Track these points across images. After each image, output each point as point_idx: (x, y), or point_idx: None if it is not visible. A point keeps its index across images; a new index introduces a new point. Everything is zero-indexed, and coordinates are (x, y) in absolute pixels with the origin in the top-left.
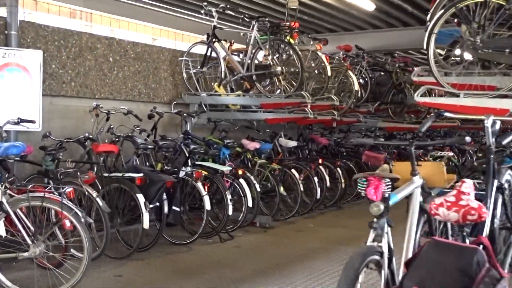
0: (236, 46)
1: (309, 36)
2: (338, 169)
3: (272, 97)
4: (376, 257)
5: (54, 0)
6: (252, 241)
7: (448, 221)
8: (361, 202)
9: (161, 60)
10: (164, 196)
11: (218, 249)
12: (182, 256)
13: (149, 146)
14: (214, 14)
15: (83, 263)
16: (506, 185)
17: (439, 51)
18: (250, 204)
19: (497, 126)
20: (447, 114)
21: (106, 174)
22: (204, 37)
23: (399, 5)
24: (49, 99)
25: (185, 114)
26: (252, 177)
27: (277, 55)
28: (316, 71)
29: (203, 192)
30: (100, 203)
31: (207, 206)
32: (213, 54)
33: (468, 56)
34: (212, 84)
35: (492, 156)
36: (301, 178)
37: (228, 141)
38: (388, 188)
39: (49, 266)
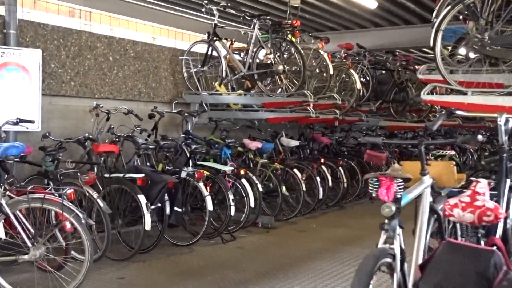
0: (236, 45)
1: (310, 34)
2: (340, 168)
3: (274, 96)
4: (388, 259)
5: None
6: (254, 241)
7: (463, 222)
8: (363, 202)
9: (161, 59)
10: (166, 197)
11: (221, 250)
12: (184, 257)
13: (150, 146)
14: (215, 12)
15: (84, 266)
16: None
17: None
18: (252, 204)
19: (510, 124)
20: (458, 112)
21: (106, 175)
22: (205, 36)
23: (401, 3)
24: (48, 99)
25: (186, 114)
26: (254, 177)
27: (278, 54)
28: (317, 70)
29: (205, 192)
30: (101, 204)
31: (209, 207)
32: (214, 53)
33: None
34: (213, 83)
35: (505, 155)
36: (303, 178)
37: (229, 140)
38: (400, 189)
39: (50, 269)
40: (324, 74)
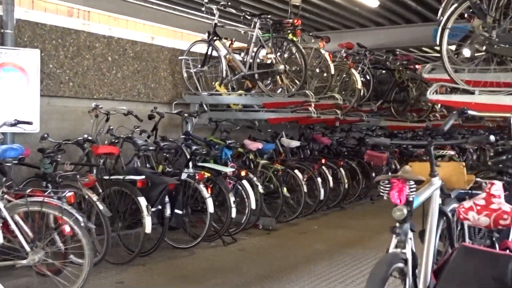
0: (236, 44)
1: (310, 34)
2: (341, 169)
3: (275, 96)
4: (400, 264)
5: None
6: (256, 244)
7: (478, 226)
8: (364, 203)
9: (160, 59)
10: (166, 199)
11: (222, 252)
12: (185, 260)
13: (151, 148)
14: (215, 11)
15: (84, 270)
16: None
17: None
18: (253, 206)
19: None
20: (470, 112)
21: (106, 177)
22: (204, 36)
23: (403, 2)
24: (46, 100)
25: (186, 114)
26: (255, 179)
27: (279, 53)
28: (318, 70)
29: (206, 194)
30: (101, 207)
31: (210, 209)
32: (214, 53)
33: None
34: (213, 83)
35: None
36: (305, 179)
37: (230, 141)
38: (412, 191)
39: (48, 274)
40: (325, 74)
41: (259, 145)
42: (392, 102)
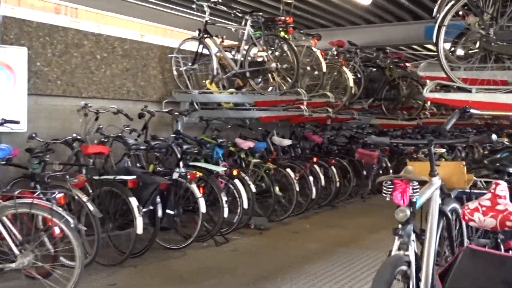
0: (226, 42)
1: (301, 31)
2: (333, 167)
3: (266, 95)
4: (404, 267)
5: None
6: (248, 243)
7: (483, 228)
8: (355, 201)
9: (150, 57)
10: (158, 199)
11: (214, 253)
12: (178, 261)
13: (141, 147)
14: (205, 9)
15: (75, 273)
16: None
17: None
18: (245, 205)
19: None
20: (472, 110)
21: (96, 177)
22: (194, 33)
23: None
24: (34, 99)
25: (176, 113)
26: (247, 178)
27: (271, 51)
28: (308, 68)
29: (198, 194)
30: (91, 208)
31: (203, 209)
32: (205, 51)
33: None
34: (203, 81)
35: None
36: (297, 178)
37: (221, 140)
38: (415, 192)
39: (38, 277)
40: (316, 72)
41: (250, 144)
42: (383, 100)
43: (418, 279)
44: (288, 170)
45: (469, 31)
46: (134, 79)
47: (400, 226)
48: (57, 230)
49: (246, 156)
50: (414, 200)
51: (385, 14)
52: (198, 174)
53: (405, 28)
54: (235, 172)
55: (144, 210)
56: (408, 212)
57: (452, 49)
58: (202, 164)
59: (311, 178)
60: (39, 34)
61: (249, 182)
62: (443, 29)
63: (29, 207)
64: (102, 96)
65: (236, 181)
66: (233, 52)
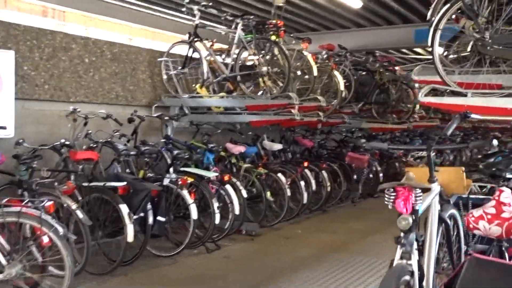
0: (215, 46)
1: (291, 35)
2: (324, 172)
3: (257, 99)
4: (407, 277)
5: None
6: (240, 250)
7: (489, 236)
8: (345, 205)
9: (139, 61)
10: (149, 206)
11: (206, 260)
12: (169, 269)
13: (132, 153)
14: (196, 12)
15: (65, 283)
16: None
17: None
18: (237, 211)
19: None
20: (473, 115)
21: (85, 184)
22: (183, 37)
23: (385, 3)
24: (21, 103)
25: (166, 118)
26: (238, 183)
27: (262, 55)
28: (299, 72)
29: (190, 200)
30: (81, 216)
31: (194, 215)
32: (195, 55)
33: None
34: (193, 85)
35: None
36: (288, 183)
37: (212, 145)
38: (418, 200)
39: (25, 287)
40: (306, 76)
41: (241, 149)
42: (373, 103)
43: None
44: (280, 175)
45: (462, 35)
46: (123, 83)
47: (402, 234)
48: (45, 239)
49: (236, 161)
50: (417, 208)
51: (375, 18)
52: (189, 179)
53: (395, 31)
54: (226, 178)
55: (135, 217)
56: (410, 220)
57: (445, 53)
58: (192, 170)
59: (302, 183)
60: (27, 37)
61: (241, 188)
62: (438, 33)
63: (17, 216)
64: (90, 100)
65: (228, 187)
66: (223, 56)
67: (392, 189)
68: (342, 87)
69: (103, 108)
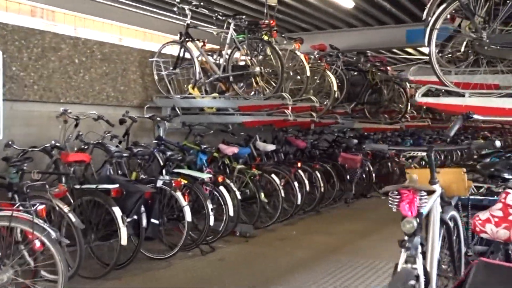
0: (207, 46)
1: (283, 35)
2: (317, 172)
3: (251, 99)
4: (413, 281)
5: None
6: (235, 252)
7: (496, 239)
8: (339, 206)
9: (130, 61)
10: (142, 208)
11: (201, 263)
12: (163, 272)
13: (124, 154)
14: (187, 12)
15: None
16: None
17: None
18: (231, 213)
19: None
20: (475, 116)
21: (77, 186)
22: (174, 37)
23: (377, 3)
24: (9, 104)
25: (158, 118)
26: (232, 184)
27: (254, 55)
28: (291, 72)
29: (183, 202)
30: (73, 219)
31: (188, 217)
32: (186, 55)
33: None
34: (185, 86)
35: None
36: (282, 184)
37: (205, 146)
38: (424, 202)
39: None
40: (298, 77)
41: (235, 150)
42: (366, 104)
43: None
44: (273, 175)
45: (458, 35)
46: (113, 83)
47: (406, 238)
48: (37, 244)
49: (230, 162)
50: (422, 210)
51: (367, 18)
52: (183, 181)
53: (386, 32)
54: (220, 179)
55: (128, 220)
56: (415, 224)
57: (440, 54)
58: (186, 171)
59: (296, 184)
60: (15, 37)
61: (234, 189)
62: (435, 32)
63: (9, 220)
64: (80, 101)
65: (221, 188)
66: (215, 56)
67: (396, 192)
68: (335, 87)
69: (93, 109)
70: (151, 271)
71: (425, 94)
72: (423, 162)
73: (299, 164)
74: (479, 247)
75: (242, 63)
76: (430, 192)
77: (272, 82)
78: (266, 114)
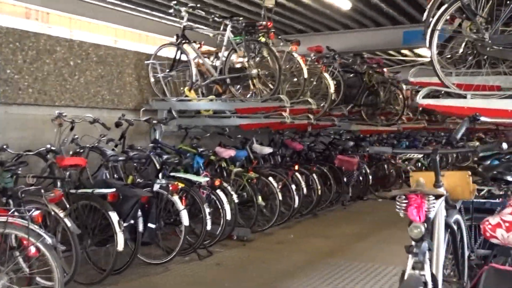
0: (203, 48)
1: (279, 37)
2: (314, 175)
3: (248, 102)
4: None
5: None
6: (233, 256)
7: (507, 245)
8: (336, 209)
9: (125, 63)
10: (139, 213)
11: (198, 267)
12: (160, 277)
13: (120, 158)
14: (183, 14)
15: None
16: None
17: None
18: (228, 216)
19: None
20: (482, 118)
21: (73, 191)
22: (170, 39)
23: (374, 4)
24: (3, 108)
25: (154, 121)
26: (229, 188)
27: (252, 57)
28: (288, 74)
29: (181, 206)
30: (69, 224)
31: (185, 221)
32: (183, 57)
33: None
34: (181, 88)
35: None
36: (279, 187)
37: (201, 149)
38: (432, 207)
39: None
40: (295, 79)
41: (231, 153)
42: (362, 106)
43: None
44: (270, 178)
45: (458, 36)
46: (109, 86)
47: (413, 243)
48: (33, 250)
49: (227, 165)
50: (430, 215)
51: (364, 19)
52: (180, 185)
53: (383, 33)
54: (217, 182)
55: (125, 224)
56: (423, 229)
57: (439, 56)
58: (183, 175)
59: (293, 187)
60: (9, 39)
61: (232, 192)
62: (436, 33)
63: (3, 226)
64: (76, 104)
65: (219, 192)
66: (211, 58)
67: (404, 196)
68: (332, 89)
69: (89, 112)
70: (148, 276)
71: (425, 96)
72: (419, 164)
73: (296, 167)
74: (481, 251)
75: (239, 65)
76: (438, 197)
77: (269, 84)
78: (263, 117)
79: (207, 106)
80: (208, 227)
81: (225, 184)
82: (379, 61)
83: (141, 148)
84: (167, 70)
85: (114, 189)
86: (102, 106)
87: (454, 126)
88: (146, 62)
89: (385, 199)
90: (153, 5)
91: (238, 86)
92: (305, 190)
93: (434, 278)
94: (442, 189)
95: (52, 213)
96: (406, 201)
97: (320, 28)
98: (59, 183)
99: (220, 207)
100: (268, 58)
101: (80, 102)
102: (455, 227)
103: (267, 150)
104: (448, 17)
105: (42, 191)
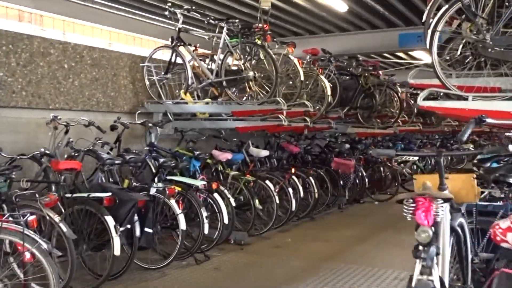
0: (199, 51)
1: (275, 39)
2: (311, 178)
3: (244, 104)
4: None
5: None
6: (230, 261)
7: None
8: (333, 212)
9: (120, 66)
10: (136, 217)
11: (195, 272)
12: (158, 283)
13: (116, 162)
14: (179, 16)
15: None
16: None
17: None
18: (226, 220)
19: None
20: (488, 120)
21: (68, 195)
22: (165, 41)
23: (371, 6)
24: None
25: (150, 124)
26: (226, 191)
27: (248, 59)
28: (284, 76)
29: (178, 210)
30: (64, 229)
31: (182, 226)
32: (178, 59)
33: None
34: (176, 91)
35: None
36: (277, 190)
37: (198, 152)
38: (441, 210)
39: None
40: (291, 81)
41: (228, 156)
42: (358, 108)
43: None
44: (268, 182)
45: (457, 37)
46: (104, 89)
47: (421, 248)
48: (27, 255)
49: (223, 168)
50: (438, 219)
51: (360, 22)
52: (177, 189)
53: (379, 35)
54: (214, 186)
55: (121, 229)
56: (431, 233)
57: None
58: (179, 178)
59: (290, 190)
60: (2, 42)
61: (229, 196)
62: (437, 35)
63: None
64: (70, 107)
65: (216, 195)
66: (207, 61)
67: (411, 200)
68: (329, 92)
69: (83, 115)
70: (145, 282)
71: (426, 98)
72: (415, 167)
73: (293, 170)
74: (484, 254)
75: (235, 68)
76: (446, 200)
77: (266, 87)
78: (260, 119)
79: (203, 109)
80: (206, 231)
81: (222, 188)
82: (375, 63)
83: (137, 152)
84: (163, 73)
85: (110, 193)
86: (97, 109)
87: (448, 128)
88: (141, 64)
89: (382, 202)
90: (148, 7)
91: (234, 89)
92: (302, 193)
93: (443, 283)
94: (447, 192)
95: (47, 217)
96: (414, 204)
97: (315, 31)
98: (54, 187)
99: (217, 210)
100: (265, 60)
101: (74, 105)
102: (460, 231)
103: (264, 153)
104: (447, 18)
105: (37, 195)
